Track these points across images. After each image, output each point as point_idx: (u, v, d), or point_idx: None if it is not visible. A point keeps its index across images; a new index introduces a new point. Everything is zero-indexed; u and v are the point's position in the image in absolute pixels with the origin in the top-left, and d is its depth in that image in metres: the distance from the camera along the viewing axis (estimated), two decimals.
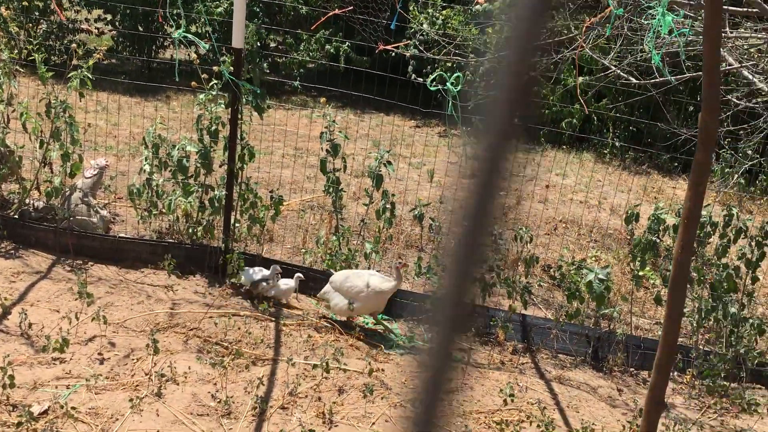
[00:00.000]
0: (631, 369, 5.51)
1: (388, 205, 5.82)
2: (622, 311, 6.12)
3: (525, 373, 5.28)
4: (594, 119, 11.72)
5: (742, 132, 9.56)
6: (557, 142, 11.89)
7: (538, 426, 4.49)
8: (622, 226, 7.78)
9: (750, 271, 5.65)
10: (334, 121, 5.83)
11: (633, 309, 6.43)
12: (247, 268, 5.63)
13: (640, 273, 6.72)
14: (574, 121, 11.80)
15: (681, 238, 2.99)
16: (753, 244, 5.62)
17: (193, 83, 5.69)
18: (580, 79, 10.88)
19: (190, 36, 5.47)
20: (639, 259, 5.64)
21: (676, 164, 11.13)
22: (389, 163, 5.78)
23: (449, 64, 11.83)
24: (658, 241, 6.19)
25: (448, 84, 5.15)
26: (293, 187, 8.34)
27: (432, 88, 5.16)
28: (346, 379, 4.77)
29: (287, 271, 5.83)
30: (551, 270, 6.78)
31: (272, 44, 15.16)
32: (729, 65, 6.74)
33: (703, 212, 6.10)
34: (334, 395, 4.60)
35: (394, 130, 11.72)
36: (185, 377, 4.57)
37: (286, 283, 5.58)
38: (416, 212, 6.61)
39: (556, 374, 5.31)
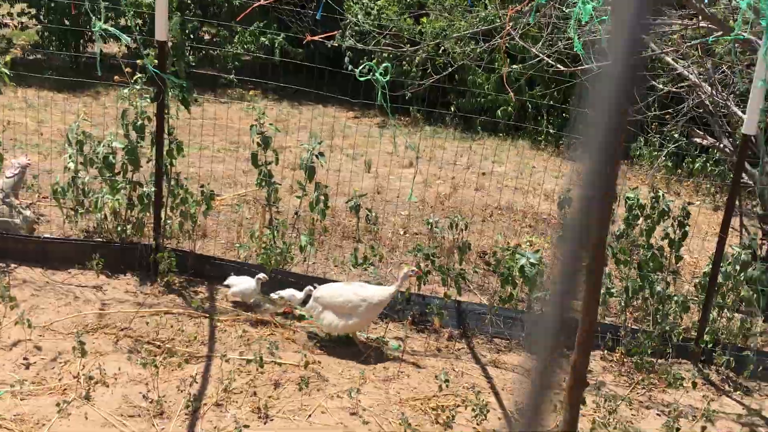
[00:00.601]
0: (565, 349, 5.63)
1: (321, 197, 5.79)
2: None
3: (461, 358, 5.35)
4: (528, 107, 11.91)
5: (668, 116, 9.86)
6: (493, 130, 12.06)
7: (473, 410, 4.55)
8: (555, 211, 7.96)
9: (673, 251, 5.85)
10: (264, 114, 5.77)
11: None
12: (235, 278, 5.51)
13: None
14: (509, 109, 11.97)
15: (597, 218, 3.06)
16: (675, 224, 5.83)
17: (115, 77, 5.56)
18: (514, 67, 11.04)
19: (111, 29, 5.31)
20: None
21: None
22: (321, 154, 5.75)
23: (385, 55, 11.85)
24: None
25: (376, 74, 5.16)
26: (229, 181, 8.24)
27: (361, 79, 5.15)
28: (282, 372, 4.75)
29: (224, 267, 5.76)
30: (486, 256, 6.88)
31: (206, 36, 14.89)
32: (652, 51, 6.94)
33: (631, 195, 6.30)
34: (269, 389, 4.57)
35: (332, 121, 11.68)
36: (115, 379, 4.47)
37: (293, 294, 5.44)
38: (352, 203, 6.60)
39: (491, 358, 5.40)
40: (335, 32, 5.32)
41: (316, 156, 5.71)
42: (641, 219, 6.10)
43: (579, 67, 7.01)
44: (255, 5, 6.40)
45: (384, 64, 5.16)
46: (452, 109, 12.37)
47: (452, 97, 12.48)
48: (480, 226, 7.81)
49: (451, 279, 5.64)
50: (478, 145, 11.32)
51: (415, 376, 5.00)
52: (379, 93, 5.11)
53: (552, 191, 9.08)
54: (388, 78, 5.22)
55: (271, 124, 5.90)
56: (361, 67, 5.02)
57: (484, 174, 9.68)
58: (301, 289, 5.42)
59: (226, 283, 5.56)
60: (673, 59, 7.50)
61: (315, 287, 5.30)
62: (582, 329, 3.20)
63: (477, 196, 8.65)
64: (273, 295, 5.40)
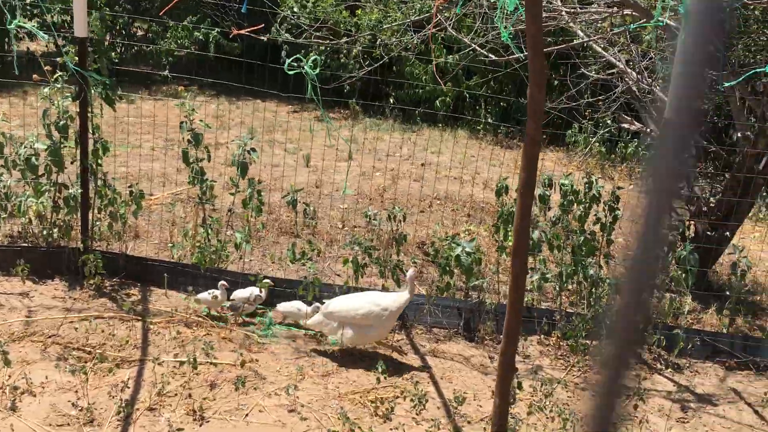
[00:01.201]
0: (502, 336, 5.70)
1: (255, 193, 5.72)
2: (492, 281, 6.34)
3: (401, 349, 5.36)
4: (466, 97, 12.01)
5: (600, 103, 10.08)
6: (433, 121, 12.12)
7: (411, 400, 4.58)
8: (493, 199, 8.05)
9: (605, 235, 5.98)
10: (193, 110, 5.65)
11: (502, 278, 6.66)
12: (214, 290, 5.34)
13: (506, 243, 6.97)
14: (447, 99, 12.04)
15: (519, 207, 3.10)
16: (606, 209, 5.96)
17: (35, 76, 5.36)
18: (450, 57, 11.10)
19: (27, 26, 5.11)
20: (503, 229, 5.84)
21: (544, 137, 11.58)
22: (253, 150, 5.67)
23: (322, 48, 11.76)
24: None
25: (306, 67, 5.10)
26: (163, 180, 8.06)
27: (289, 72, 5.09)
28: (218, 373, 4.67)
29: (157, 268, 5.63)
30: (425, 247, 6.91)
31: (139, 32, 14.53)
32: (581, 39, 7.06)
33: (565, 181, 6.40)
34: (205, 391, 4.49)
35: (271, 116, 11.55)
36: (43, 387, 4.33)
37: (299, 308, 5.29)
38: (289, 198, 6.55)
39: (430, 348, 5.43)
40: (261, 25, 5.22)
41: (249, 151, 5.62)
42: (575, 204, 6.21)
43: (511, 57, 7.09)
44: None
45: (312, 57, 5.11)
46: (391, 101, 12.38)
47: (391, 89, 12.48)
48: (419, 217, 7.84)
49: (389, 271, 5.64)
50: (417, 136, 11.36)
51: (355, 369, 4.98)
52: (309, 86, 5.05)
53: (490, 180, 9.17)
54: (317, 71, 5.17)
55: (201, 121, 5.78)
56: (289, 60, 4.95)
57: (423, 165, 9.72)
58: (226, 290, 5.32)
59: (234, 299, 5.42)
60: (603, 47, 7.65)
61: (323, 302, 5.15)
62: (508, 316, 3.24)
63: (416, 187, 8.68)
64: (279, 307, 5.30)
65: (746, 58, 8.50)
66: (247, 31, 4.68)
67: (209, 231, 5.77)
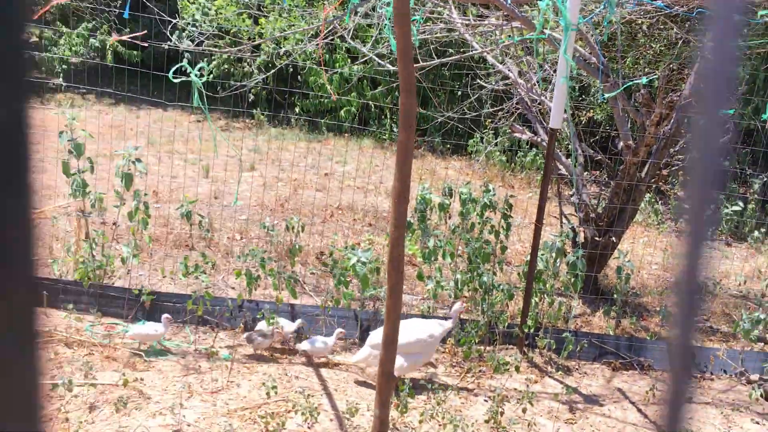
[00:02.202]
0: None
1: (141, 206, 5.51)
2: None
3: (295, 362, 5.28)
4: (372, 106, 12.06)
5: (500, 113, 10.34)
6: (339, 130, 12.11)
7: (303, 414, 4.50)
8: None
9: (499, 242, 6.10)
10: (74, 119, 5.40)
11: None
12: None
13: (410, 252, 7.01)
14: (353, 109, 12.06)
15: (392, 217, 3.09)
16: (500, 217, 6.08)
17: None
18: (354, 68, 11.13)
19: None
20: None
21: (447, 146, 11.78)
22: (138, 160, 5.47)
23: (225, 57, 11.56)
24: (427, 219, 6.51)
25: (192, 75, 4.97)
26: (53, 192, 7.68)
27: (175, 80, 4.94)
28: (99, 394, 4.46)
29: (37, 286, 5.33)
30: (323, 257, 6.85)
31: (32, 39, 13.86)
32: (474, 51, 7.21)
33: (464, 189, 6.49)
34: (84, 413, 4.27)
35: (172, 125, 11.24)
36: None
37: (324, 342, 5.22)
38: (182, 210, 6.35)
39: (325, 360, 5.37)
40: (144, 32, 5.05)
41: (133, 162, 5.42)
42: (474, 213, 6.30)
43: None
44: (53, 3, 5.98)
45: (199, 65, 4.99)
46: (297, 110, 12.29)
47: (296, 98, 12.40)
48: (320, 227, 7.78)
49: (283, 282, 5.56)
50: (323, 145, 11.32)
51: (246, 384, 4.87)
52: (195, 94, 4.93)
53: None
54: (205, 79, 5.05)
55: (83, 130, 5.54)
56: (174, 68, 4.81)
57: (327, 174, 9.68)
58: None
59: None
60: (502, 60, 7.84)
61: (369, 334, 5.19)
62: (386, 328, 3.22)
63: (319, 196, 8.62)
64: (303, 347, 5.21)
65: (633, 70, 8.91)
66: (129, 38, 4.51)
67: (93, 245, 5.52)
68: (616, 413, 5.19)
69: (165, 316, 5.11)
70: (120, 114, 11.71)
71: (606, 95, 5.62)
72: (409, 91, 2.92)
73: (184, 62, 6.70)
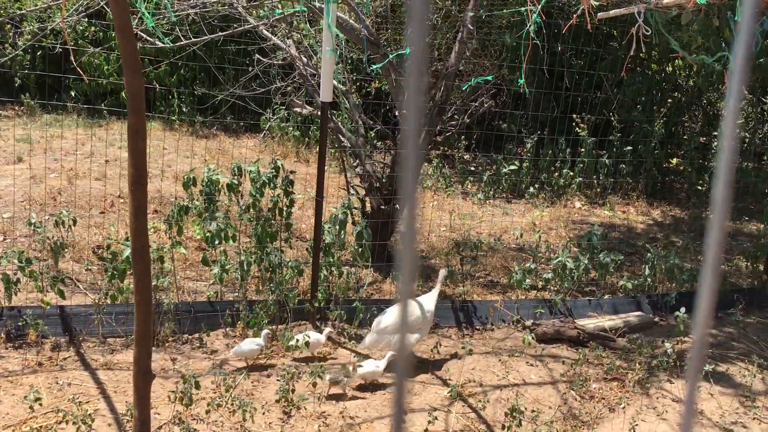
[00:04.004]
0: (185, 335, 5.50)
1: None
2: (180, 279, 6.09)
3: (67, 368, 4.88)
4: (156, 86, 11.42)
5: (290, 88, 10.22)
6: (123, 114, 11.35)
7: (75, 423, 4.17)
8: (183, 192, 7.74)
9: (283, 219, 6.03)
10: None
11: (189, 275, 6.44)
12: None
13: (198, 236, 6.74)
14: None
15: (131, 206, 2.89)
16: (282, 193, 6.00)
17: None
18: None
19: None
20: (176, 225, 5.60)
21: (241, 124, 11.49)
22: None
23: None
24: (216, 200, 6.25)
25: None
26: None
27: None
28: None
29: None
30: (100, 251, 6.40)
31: None
32: (250, 25, 7.01)
33: (252, 168, 6.30)
34: None
35: None
36: None
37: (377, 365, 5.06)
38: None
39: (104, 361, 5.02)
40: None
41: None
42: (266, 191, 6.14)
43: (182, 43, 6.81)
44: None
45: None
46: (72, 94, 11.34)
47: (70, 81, 11.42)
48: (99, 219, 7.26)
49: (46, 283, 5.10)
50: (105, 131, 10.55)
51: (9, 400, 4.42)
52: None
53: (182, 172, 8.82)
54: None
55: None
56: None
57: (107, 162, 9.04)
58: None
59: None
60: (280, 37, 7.70)
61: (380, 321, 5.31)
62: (137, 323, 3.03)
63: (98, 186, 8.03)
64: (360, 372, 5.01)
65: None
66: None
67: None
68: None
69: (266, 331, 5.15)
70: None
71: (374, 66, 5.71)
72: (134, 71, 2.72)
73: None
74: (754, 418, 5.10)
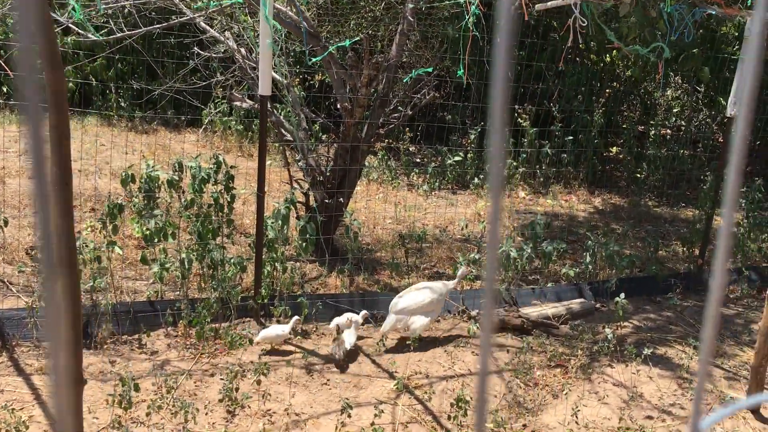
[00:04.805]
0: (125, 336, 5.36)
1: None
2: (119, 279, 5.93)
3: (0, 374, 4.71)
4: (93, 81, 11.09)
5: (230, 81, 10.05)
6: None
7: (8, 430, 4.02)
8: (121, 189, 7.53)
9: (224, 215, 5.92)
10: None
11: (128, 274, 6.29)
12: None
13: (137, 234, 6.57)
14: (70, 85, 11.00)
15: (57, 207, 2.78)
16: (223, 188, 5.89)
17: None
18: (68, 39, 10.13)
19: None
20: (110, 223, 5.44)
21: (182, 119, 11.26)
22: None
23: None
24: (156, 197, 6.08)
25: None
26: None
27: None
28: None
29: None
30: (33, 252, 6.19)
31: None
32: (185, 17, 6.85)
33: (192, 163, 6.13)
34: None
35: None
36: None
37: None
38: None
39: (38, 366, 4.85)
40: None
41: None
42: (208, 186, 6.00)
43: (115, 36, 6.60)
44: None
45: None
46: (3, 90, 10.93)
47: (1, 77, 11.00)
48: (32, 219, 7.00)
49: None
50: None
51: None
52: None
53: (120, 168, 8.59)
54: None
55: None
56: None
57: None
58: None
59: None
60: (218, 29, 7.53)
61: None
62: (67, 324, 2.92)
63: (30, 184, 7.75)
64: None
65: (357, 33, 9.13)
66: None
67: None
68: (353, 368, 5.36)
69: (364, 312, 5.65)
70: None
71: (314, 59, 5.65)
72: (53, 65, 2.60)
73: None
74: (691, 399, 5.25)
